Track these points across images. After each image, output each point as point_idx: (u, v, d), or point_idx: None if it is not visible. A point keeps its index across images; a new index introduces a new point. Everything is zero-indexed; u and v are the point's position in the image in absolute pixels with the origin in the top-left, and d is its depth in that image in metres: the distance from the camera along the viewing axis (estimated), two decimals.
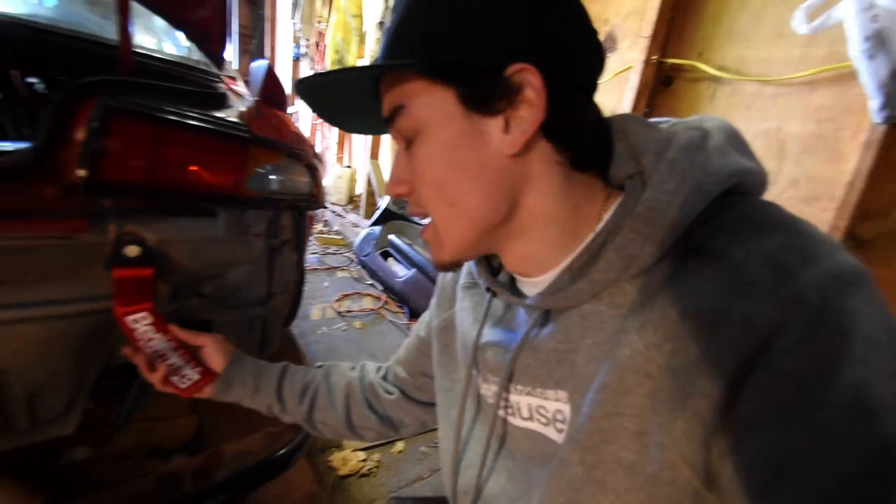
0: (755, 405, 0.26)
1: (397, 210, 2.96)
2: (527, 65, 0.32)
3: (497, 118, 0.34)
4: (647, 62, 1.53)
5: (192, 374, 0.60)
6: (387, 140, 3.85)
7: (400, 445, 1.46)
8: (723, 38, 1.40)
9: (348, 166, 4.53)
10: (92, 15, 1.25)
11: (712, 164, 0.33)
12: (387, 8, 3.17)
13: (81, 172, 0.67)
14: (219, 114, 0.81)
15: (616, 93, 1.71)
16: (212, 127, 0.76)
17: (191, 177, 0.75)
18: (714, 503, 0.29)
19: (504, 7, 0.33)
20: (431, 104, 0.35)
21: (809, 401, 0.24)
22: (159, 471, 1.21)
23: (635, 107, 1.59)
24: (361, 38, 3.70)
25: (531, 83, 0.32)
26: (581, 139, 0.36)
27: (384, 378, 0.65)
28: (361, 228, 3.38)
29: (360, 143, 4.17)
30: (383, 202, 3.07)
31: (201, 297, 0.94)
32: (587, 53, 0.36)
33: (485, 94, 0.34)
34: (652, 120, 0.38)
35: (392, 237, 2.84)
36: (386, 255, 2.85)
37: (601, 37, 1.77)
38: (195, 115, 0.75)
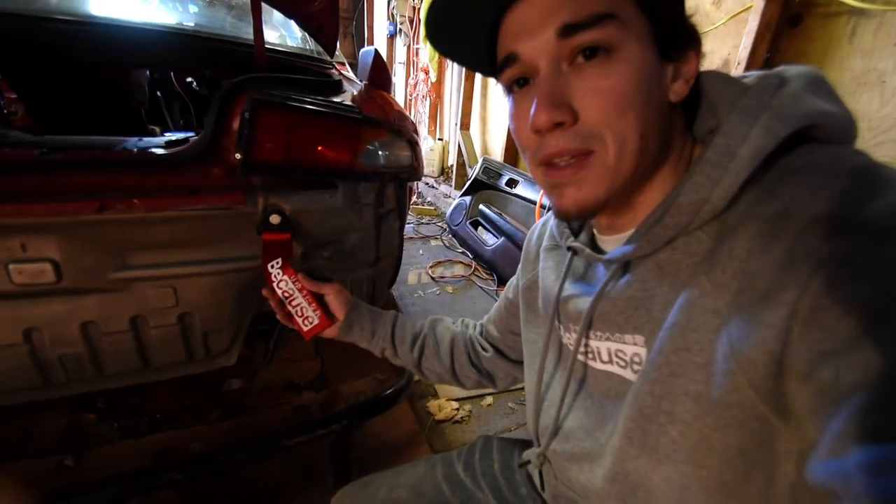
0: (824, 327, 0.25)
1: (487, 180, 3.01)
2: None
3: (669, 65, 0.36)
4: (771, 0, 1.35)
5: (313, 317, 0.71)
6: (476, 111, 3.86)
7: (489, 399, 1.58)
8: None
9: (440, 139, 4.64)
10: (228, 17, 1.47)
11: (784, 107, 0.32)
12: None
13: (238, 155, 0.84)
14: (336, 99, 0.94)
15: (731, 38, 1.54)
16: (332, 111, 0.89)
17: (317, 155, 0.89)
18: (783, 432, 0.30)
19: None
20: (636, 28, 0.34)
21: (881, 315, 0.24)
22: (293, 402, 1.49)
23: (753, 52, 1.42)
24: None
25: (699, 40, 0.37)
26: (689, 96, 0.38)
27: (481, 334, 0.71)
28: (452, 199, 3.49)
29: (451, 115, 4.23)
30: (474, 172, 3.13)
31: (324, 259, 1.12)
32: None
33: (673, 38, 0.36)
34: (737, 74, 0.38)
35: (482, 207, 2.90)
36: (476, 224, 2.94)
37: None
38: (319, 101, 0.89)
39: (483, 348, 0.69)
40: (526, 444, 0.67)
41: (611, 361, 0.43)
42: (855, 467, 0.21)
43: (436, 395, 1.58)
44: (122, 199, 0.79)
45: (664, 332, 0.35)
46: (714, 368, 0.32)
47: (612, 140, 0.35)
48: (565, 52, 0.35)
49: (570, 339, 0.48)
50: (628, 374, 0.41)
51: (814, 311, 0.26)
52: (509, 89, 0.40)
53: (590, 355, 0.45)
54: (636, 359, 0.40)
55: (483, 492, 0.62)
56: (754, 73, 0.37)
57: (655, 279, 0.37)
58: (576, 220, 0.50)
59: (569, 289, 0.47)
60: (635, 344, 0.39)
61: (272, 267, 0.77)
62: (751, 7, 1.41)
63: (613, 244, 0.43)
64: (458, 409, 1.52)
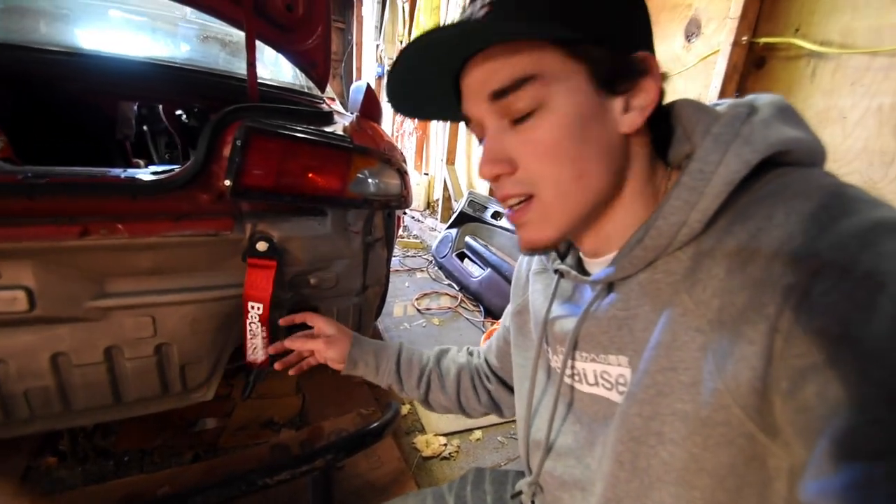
0: (802, 346, 0.26)
1: (472, 213, 3.05)
2: (647, 53, 0.36)
3: (618, 98, 0.37)
4: (737, 44, 1.45)
5: (260, 355, 0.72)
6: (462, 147, 3.97)
7: (478, 434, 1.53)
8: (824, 10, 1.28)
9: (426, 173, 4.73)
10: (221, 53, 1.51)
11: (755, 134, 0.34)
12: None
13: (227, 181, 0.84)
14: (328, 129, 0.96)
15: (702, 79, 1.64)
16: (324, 140, 0.91)
17: (308, 182, 0.89)
18: (772, 449, 0.30)
19: None
20: (565, 77, 0.36)
21: (852, 335, 0.24)
22: (271, 441, 1.41)
23: (723, 92, 1.51)
24: None
25: (652, 70, 0.37)
26: (661, 123, 0.39)
27: (486, 363, 0.71)
28: (438, 232, 3.52)
29: (437, 150, 4.34)
30: (459, 205, 3.17)
31: (311, 287, 1.10)
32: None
33: (615, 75, 0.36)
34: (710, 103, 0.40)
35: (468, 239, 2.93)
36: (462, 256, 2.95)
37: (683, 23, 1.72)
38: (311, 130, 0.90)
39: (487, 378, 0.70)
40: (518, 476, 0.65)
41: (597, 383, 0.43)
42: (842, 487, 0.21)
43: (423, 431, 1.53)
44: (105, 223, 0.77)
45: (649, 352, 0.35)
46: (701, 387, 0.32)
47: (546, 185, 0.37)
48: (503, 111, 0.38)
49: (557, 361, 0.48)
50: (614, 396, 0.41)
51: (792, 327, 0.26)
52: (480, 140, 0.43)
53: (576, 377, 0.45)
54: (621, 380, 0.40)
55: None
56: (726, 102, 0.39)
57: (637, 299, 0.38)
58: (538, 254, 0.53)
59: (556, 310, 0.48)
60: (619, 365, 0.40)
61: (252, 307, 0.76)
62: (718, 51, 1.52)
63: (597, 266, 0.44)
64: (445, 445, 1.46)
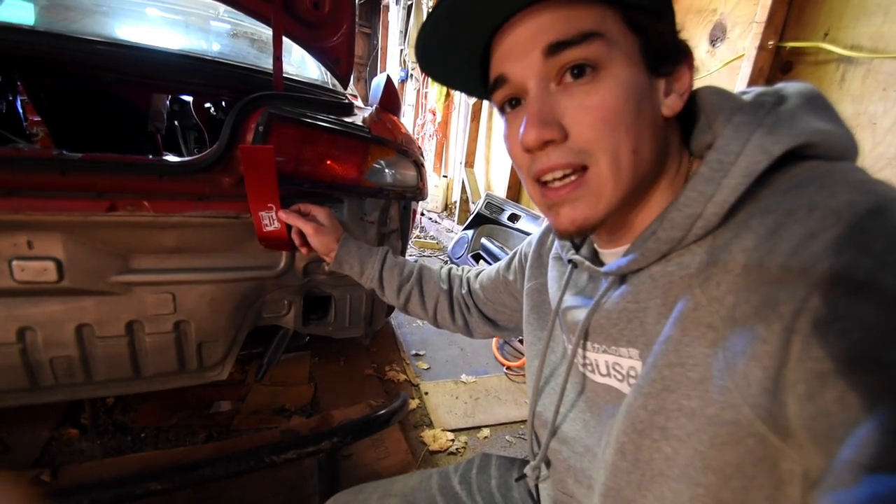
0: (821, 349, 0.25)
1: (489, 215, 3.05)
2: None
3: (661, 80, 0.37)
4: (763, 48, 1.43)
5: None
6: (481, 150, 3.98)
7: (486, 432, 1.52)
8: (854, 14, 1.26)
9: (444, 176, 4.75)
10: (251, 49, 1.56)
11: (779, 124, 0.32)
12: None
13: None
14: (347, 119, 0.98)
15: (726, 84, 1.60)
16: (343, 129, 0.93)
17: (326, 169, 0.92)
18: (785, 451, 0.28)
19: None
20: (625, 44, 0.35)
21: (877, 340, 0.23)
22: (282, 426, 1.44)
23: None
24: None
25: (690, 57, 0.37)
26: (686, 111, 0.38)
27: (468, 292, 0.74)
28: (455, 234, 3.53)
29: (456, 153, 4.36)
30: (477, 206, 3.18)
31: (325, 275, 1.12)
32: None
33: (663, 54, 0.36)
34: (737, 91, 0.38)
35: (484, 240, 2.93)
36: (477, 257, 2.95)
37: (708, 28, 1.71)
38: (331, 119, 0.93)
39: (467, 309, 0.74)
40: (525, 464, 0.65)
41: (609, 374, 0.42)
42: (864, 499, 0.20)
43: (431, 426, 1.53)
44: (132, 199, 0.81)
45: (658, 346, 0.35)
46: (710, 385, 0.31)
47: (603, 156, 0.35)
48: (553, 71, 0.35)
49: (571, 349, 0.48)
50: (625, 388, 0.40)
51: (814, 327, 0.25)
52: (502, 110, 0.41)
53: (589, 367, 0.45)
54: (632, 372, 0.39)
55: None
56: (754, 90, 0.37)
57: (648, 291, 0.37)
58: (576, 238, 0.50)
59: (569, 300, 0.47)
60: (630, 357, 0.39)
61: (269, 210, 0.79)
62: (743, 55, 1.50)
63: (612, 257, 0.43)
64: (453, 441, 1.46)
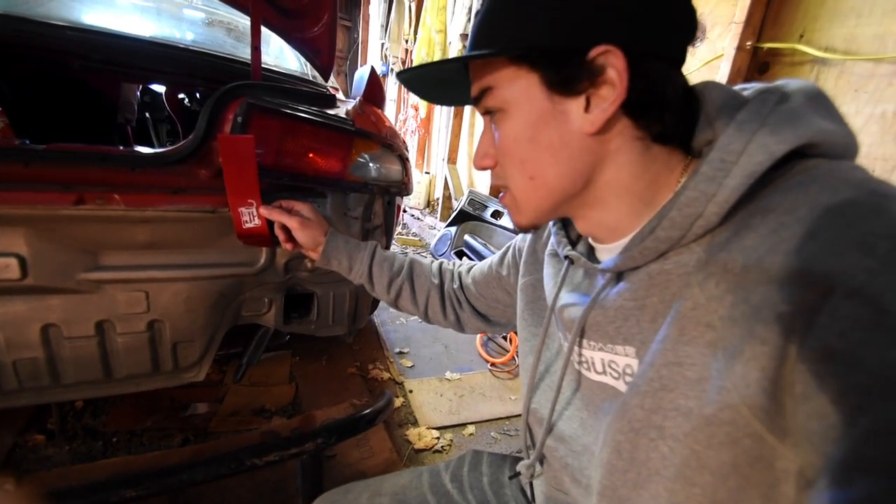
0: (819, 351, 0.25)
1: (472, 211, 3.05)
2: (609, 46, 0.34)
3: (579, 98, 0.36)
4: (741, 49, 1.46)
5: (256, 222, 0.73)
6: (464, 146, 3.98)
7: (471, 429, 1.52)
8: (829, 16, 1.29)
9: (427, 172, 4.73)
10: (228, 38, 1.51)
11: (782, 124, 0.32)
12: (469, 21, 3.33)
13: None
14: (330, 111, 0.96)
15: None
16: (326, 121, 0.90)
17: (308, 162, 0.89)
18: (781, 450, 0.28)
19: None
20: (516, 87, 0.38)
21: (875, 342, 0.23)
22: (262, 427, 1.40)
23: None
24: (444, 52, 3.89)
25: (613, 64, 0.34)
26: (664, 114, 0.37)
27: (460, 286, 0.73)
28: (438, 231, 3.52)
29: (439, 150, 4.34)
30: (460, 203, 3.17)
31: (307, 271, 1.09)
32: (673, 24, 0.37)
33: (567, 78, 0.36)
34: (737, 86, 0.37)
35: (467, 237, 2.92)
36: (460, 254, 2.94)
37: None
38: (313, 111, 0.90)
39: (459, 304, 0.73)
40: (517, 461, 0.64)
41: (604, 372, 0.42)
42: (858, 499, 0.21)
43: (416, 424, 1.52)
44: (101, 192, 0.76)
45: (656, 345, 0.35)
46: (707, 385, 0.31)
47: (511, 181, 0.43)
48: (485, 114, 0.43)
49: (567, 347, 0.48)
50: (621, 386, 0.40)
51: (813, 328, 0.25)
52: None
53: (584, 365, 0.45)
54: (628, 370, 0.39)
55: None
56: (754, 86, 0.37)
57: (646, 289, 0.37)
58: (534, 231, 0.56)
59: (565, 297, 0.47)
60: (626, 355, 0.39)
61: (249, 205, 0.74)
62: (722, 56, 1.53)
63: (607, 253, 0.43)
64: (438, 439, 1.45)
